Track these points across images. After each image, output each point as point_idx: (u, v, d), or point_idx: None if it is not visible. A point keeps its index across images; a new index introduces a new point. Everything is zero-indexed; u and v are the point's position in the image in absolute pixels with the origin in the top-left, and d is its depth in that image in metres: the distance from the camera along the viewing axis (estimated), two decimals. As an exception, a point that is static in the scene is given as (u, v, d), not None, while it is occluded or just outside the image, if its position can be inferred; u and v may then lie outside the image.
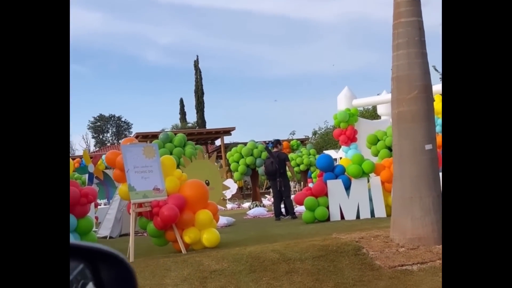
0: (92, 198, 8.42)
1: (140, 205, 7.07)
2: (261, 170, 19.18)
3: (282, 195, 11.61)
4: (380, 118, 22.04)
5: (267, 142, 22.69)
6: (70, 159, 8.94)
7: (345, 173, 10.47)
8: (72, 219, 7.86)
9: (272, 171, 11.53)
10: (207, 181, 9.49)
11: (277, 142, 12.22)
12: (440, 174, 8.23)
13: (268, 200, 20.01)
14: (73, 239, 7.76)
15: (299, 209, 11.89)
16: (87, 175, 14.51)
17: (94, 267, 0.84)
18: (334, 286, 5.65)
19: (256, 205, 16.11)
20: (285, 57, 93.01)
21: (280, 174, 11.51)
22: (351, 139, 18.00)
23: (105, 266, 0.84)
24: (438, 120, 11.62)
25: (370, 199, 10.18)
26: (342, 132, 18.05)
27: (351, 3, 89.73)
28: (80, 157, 21.39)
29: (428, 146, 6.66)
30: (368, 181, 10.40)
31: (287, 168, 11.82)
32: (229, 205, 18.09)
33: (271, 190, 15.34)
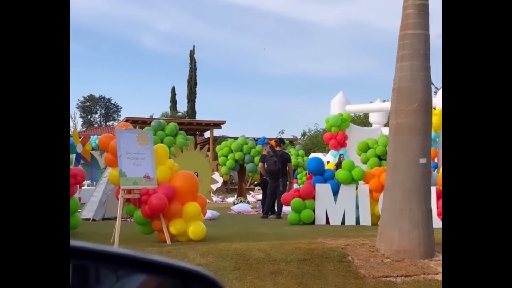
0: (80, 179, 8.37)
1: (129, 191, 7.00)
2: (250, 166, 19.10)
3: (276, 195, 11.53)
4: (371, 125, 22.12)
5: (256, 138, 22.60)
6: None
7: (334, 178, 10.48)
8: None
9: (275, 170, 11.46)
10: (196, 173, 9.42)
11: (280, 141, 12.11)
12: (433, 188, 8.27)
13: (252, 197, 19.97)
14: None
15: (284, 209, 11.86)
16: (74, 155, 14.36)
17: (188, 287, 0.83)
18: (318, 291, 5.65)
19: (241, 201, 16.10)
20: (281, 55, 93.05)
21: (283, 175, 11.46)
22: (341, 144, 18.07)
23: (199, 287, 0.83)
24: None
25: (357, 207, 10.19)
26: (333, 137, 18.11)
27: (353, 9, 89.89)
28: (68, 136, 21.13)
29: (423, 160, 6.67)
30: (357, 188, 10.42)
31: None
32: (214, 198, 18.03)
33: (259, 188, 15.18)
